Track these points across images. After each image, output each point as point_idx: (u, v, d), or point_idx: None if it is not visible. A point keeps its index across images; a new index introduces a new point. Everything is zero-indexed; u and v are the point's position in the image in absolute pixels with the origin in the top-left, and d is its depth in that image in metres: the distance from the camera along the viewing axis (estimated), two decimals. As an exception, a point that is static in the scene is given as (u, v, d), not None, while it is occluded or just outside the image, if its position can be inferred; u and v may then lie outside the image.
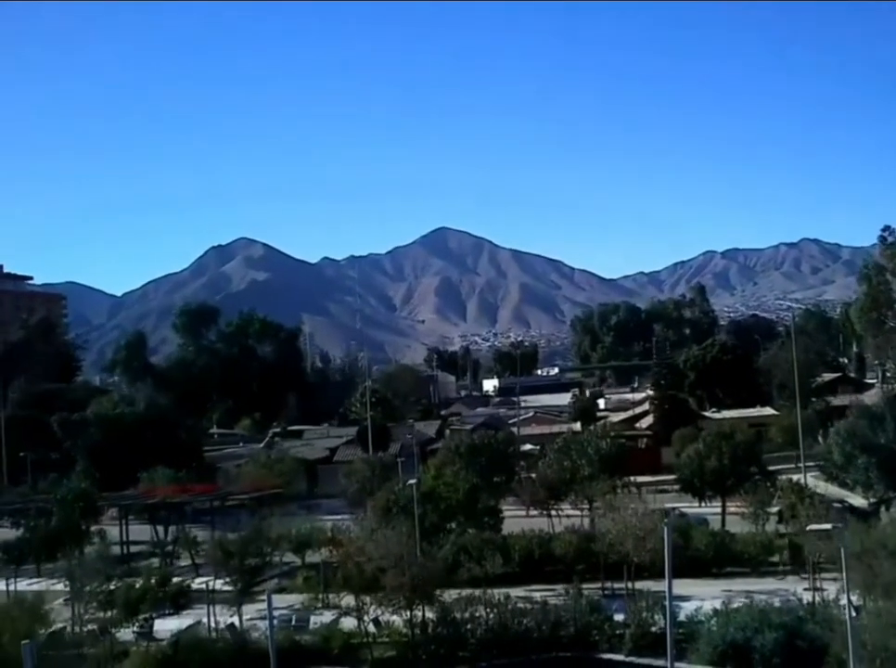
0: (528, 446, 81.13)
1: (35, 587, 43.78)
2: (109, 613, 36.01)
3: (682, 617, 33.52)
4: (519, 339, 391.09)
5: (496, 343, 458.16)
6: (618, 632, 34.03)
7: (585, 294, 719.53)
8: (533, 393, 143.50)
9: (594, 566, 41.79)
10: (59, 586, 40.93)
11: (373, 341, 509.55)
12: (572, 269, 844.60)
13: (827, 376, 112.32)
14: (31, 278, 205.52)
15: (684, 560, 38.32)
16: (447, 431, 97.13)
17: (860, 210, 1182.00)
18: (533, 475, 59.36)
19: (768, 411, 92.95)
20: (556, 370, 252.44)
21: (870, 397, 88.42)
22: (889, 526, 35.15)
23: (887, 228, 70.92)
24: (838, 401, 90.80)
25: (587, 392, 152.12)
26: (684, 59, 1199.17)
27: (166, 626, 37.64)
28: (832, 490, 59.45)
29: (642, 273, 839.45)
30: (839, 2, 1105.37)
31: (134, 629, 36.76)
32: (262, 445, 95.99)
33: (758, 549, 44.23)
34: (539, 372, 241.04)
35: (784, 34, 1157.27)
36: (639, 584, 38.49)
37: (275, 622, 31.89)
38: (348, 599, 36.04)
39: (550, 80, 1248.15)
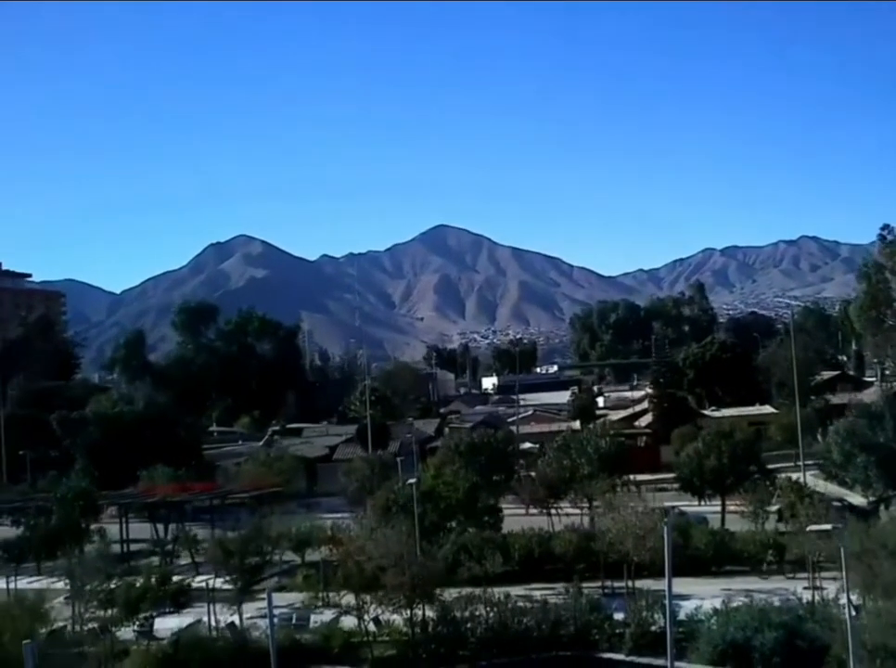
0: (527, 445, 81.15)
1: (35, 586, 43.69)
2: (110, 612, 35.95)
3: (682, 616, 33.54)
4: (518, 336, 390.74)
5: (495, 341, 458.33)
6: (618, 631, 34.00)
7: (584, 292, 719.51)
8: (532, 391, 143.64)
9: (593, 565, 41.78)
10: (59, 585, 40.87)
11: (372, 339, 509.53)
12: (571, 267, 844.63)
13: (826, 374, 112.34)
14: (29, 276, 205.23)
15: (683, 559, 38.35)
16: (446, 430, 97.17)
17: (859, 207, 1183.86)
18: (533, 474, 59.39)
19: (767, 409, 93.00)
20: (556, 368, 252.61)
21: (869, 395, 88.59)
22: (888, 525, 35.21)
23: (886, 227, 71.00)
24: (837, 399, 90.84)
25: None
26: (684, 59, 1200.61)
27: (166, 625, 37.61)
28: (831, 488, 59.52)
29: (641, 270, 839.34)
30: (839, 2, 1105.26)
31: (135, 628, 36.71)
32: (261, 443, 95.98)
33: (757, 548, 44.25)
34: (538, 370, 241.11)
35: (784, 34, 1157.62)
36: (639, 583, 38.51)
37: (276, 620, 31.90)
38: (348, 598, 36.03)
39: (550, 79, 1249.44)
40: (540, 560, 45.04)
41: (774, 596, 35.92)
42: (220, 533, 46.29)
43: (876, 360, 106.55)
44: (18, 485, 76.99)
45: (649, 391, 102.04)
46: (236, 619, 37.61)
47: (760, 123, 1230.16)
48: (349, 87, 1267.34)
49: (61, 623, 35.83)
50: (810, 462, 65.49)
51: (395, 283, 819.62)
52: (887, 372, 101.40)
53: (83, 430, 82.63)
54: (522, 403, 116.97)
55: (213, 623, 37.63)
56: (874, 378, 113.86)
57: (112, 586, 36.68)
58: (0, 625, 29.74)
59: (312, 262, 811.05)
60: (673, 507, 49.29)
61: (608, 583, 40.99)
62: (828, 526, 27.94)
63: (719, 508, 53.82)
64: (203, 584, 40.61)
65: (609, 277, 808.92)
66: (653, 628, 33.25)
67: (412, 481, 44.53)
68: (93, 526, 56.29)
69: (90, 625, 35.82)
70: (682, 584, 35.19)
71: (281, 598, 39.13)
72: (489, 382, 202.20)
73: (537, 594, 39.08)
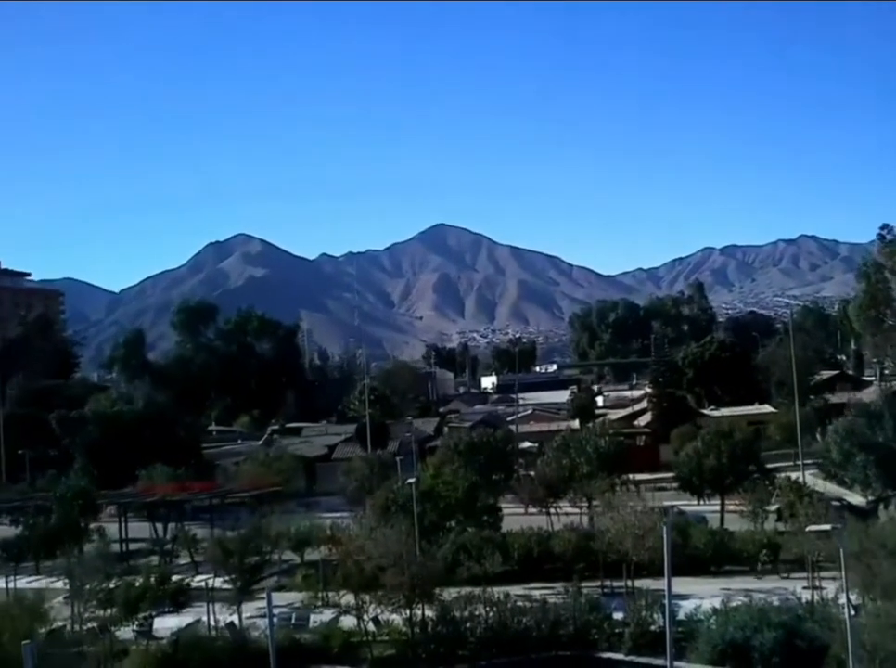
0: (526, 444, 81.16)
1: (34, 585, 43.70)
2: (109, 611, 35.95)
3: (681, 616, 33.55)
4: (518, 335, 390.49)
5: (494, 340, 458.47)
6: (617, 630, 33.98)
7: (584, 291, 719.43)
8: (532, 390, 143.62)
9: (593, 564, 41.79)
10: (59, 584, 40.87)
11: (371, 338, 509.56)
12: (571, 266, 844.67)
13: (826, 373, 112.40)
14: (28, 275, 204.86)
15: (682, 559, 38.34)
16: (445, 429, 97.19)
17: (858, 206, 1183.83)
18: (532, 473, 59.44)
19: (766, 409, 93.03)
20: (555, 367, 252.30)
21: (868, 395, 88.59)
22: (887, 525, 35.22)
23: (885, 226, 70.73)
24: (836, 398, 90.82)
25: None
26: (683, 58, 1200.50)
27: (166, 625, 37.58)
28: (830, 488, 59.54)
29: (640, 269, 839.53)
30: (839, 2, 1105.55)
31: (134, 627, 36.69)
32: (260, 443, 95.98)
33: (756, 548, 44.27)
34: (537, 369, 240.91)
35: (783, 34, 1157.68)
36: (638, 583, 38.52)
37: (275, 620, 31.90)
38: (347, 598, 36.03)
39: (549, 78, 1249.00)
40: (539, 560, 45.04)
41: (773, 595, 35.92)
42: (219, 533, 46.22)
43: (875, 359, 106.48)
44: (17, 484, 77.00)
45: (648, 390, 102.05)
46: (235, 618, 37.60)
47: (759, 123, 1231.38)
48: (348, 87, 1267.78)
49: (60, 623, 35.80)
50: (809, 461, 65.52)
51: (394, 282, 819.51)
52: (886, 372, 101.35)
53: (83, 430, 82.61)
54: (521, 402, 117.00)
55: (213, 623, 37.62)
56: (873, 378, 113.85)
57: (111, 586, 36.65)
58: (0, 625, 29.73)
59: (311, 261, 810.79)
60: (672, 507, 49.26)
61: (608, 582, 40.99)
62: (828, 526, 27.91)
63: (718, 508, 53.81)
64: (202, 584, 40.61)
65: (609, 277, 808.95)
66: (652, 628, 33.23)
67: (411, 480, 44.53)
68: (92, 525, 56.31)
69: (89, 625, 35.81)
70: (681, 584, 35.19)
71: (280, 598, 39.10)
72: (488, 381, 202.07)
73: (536, 593, 39.09)
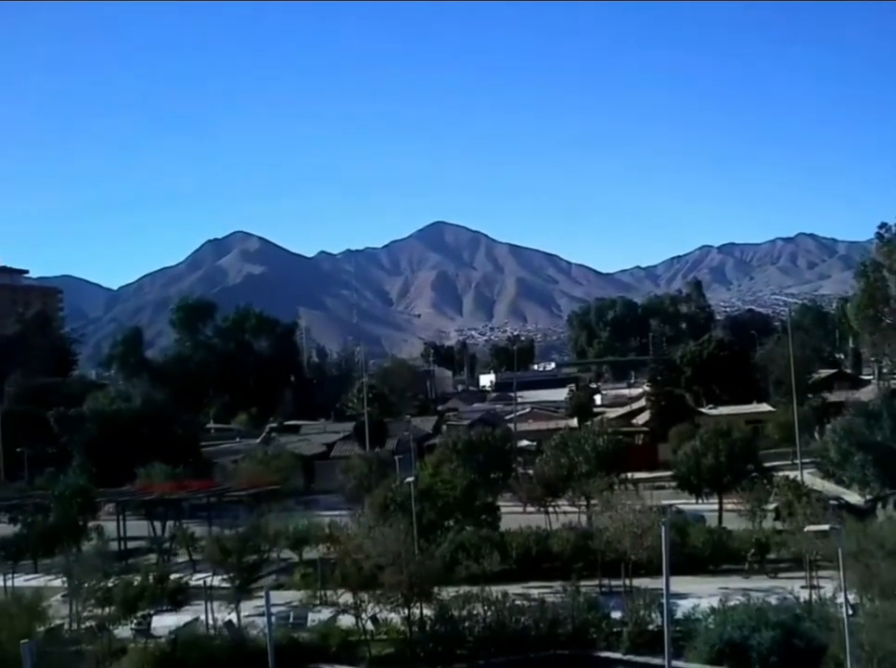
0: (525, 442, 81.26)
1: (33, 584, 43.70)
2: (107, 610, 36.00)
3: (679, 615, 33.55)
4: (516, 333, 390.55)
5: (493, 338, 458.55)
6: (615, 630, 33.96)
7: (582, 289, 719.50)
8: (530, 389, 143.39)
9: (591, 563, 41.78)
10: (57, 583, 40.87)
11: (369, 336, 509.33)
12: (569, 263, 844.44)
13: (824, 372, 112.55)
14: (26, 272, 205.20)
15: (681, 558, 38.31)
16: (444, 427, 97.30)
17: (856, 205, 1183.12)
18: (531, 472, 59.47)
19: (764, 407, 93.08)
20: (553, 365, 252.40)
21: (866, 393, 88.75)
22: (886, 524, 35.23)
23: (884, 225, 71.03)
24: (834, 397, 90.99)
25: (592, 386, 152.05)
26: (682, 57, 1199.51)
27: (164, 623, 37.62)
28: (828, 487, 59.58)
29: (638, 267, 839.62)
30: (839, 2, 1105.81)
31: (132, 626, 36.70)
32: (258, 441, 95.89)
33: (752, 547, 44.24)
34: (536, 367, 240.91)
35: (783, 34, 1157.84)
36: (636, 582, 38.55)
37: (273, 619, 31.90)
38: (346, 597, 35.99)
39: (548, 77, 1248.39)
40: (537, 559, 45.03)
41: (771, 595, 35.94)
42: (217, 531, 46.21)
43: (873, 358, 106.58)
44: (15, 482, 77.10)
45: (647, 388, 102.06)
46: (233, 617, 37.59)
47: (758, 121, 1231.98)
48: (346, 85, 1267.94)
49: (59, 622, 35.71)
50: (807, 460, 65.57)
51: (393, 280, 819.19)
52: (884, 370, 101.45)
53: (81, 428, 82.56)
54: (520, 400, 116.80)
55: (211, 622, 37.58)
56: (871, 376, 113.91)
57: (110, 584, 36.68)
58: (-2, 623, 29.75)
59: (309, 258, 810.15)
60: (671, 506, 49.26)
61: (606, 581, 41.01)
62: (826, 526, 27.92)
63: (716, 507, 53.84)
64: (201, 583, 40.66)
65: (607, 274, 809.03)
66: (650, 627, 33.23)
67: (410, 479, 44.53)
68: (90, 524, 56.43)
69: (87, 623, 35.81)
70: (679, 583, 35.23)
71: (279, 597, 39.05)
72: (486, 379, 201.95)
73: (535, 592, 39.13)
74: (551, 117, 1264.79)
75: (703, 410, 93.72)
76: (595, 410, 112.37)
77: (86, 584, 36.28)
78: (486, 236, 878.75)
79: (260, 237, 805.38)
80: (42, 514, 55.85)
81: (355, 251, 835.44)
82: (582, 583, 38.24)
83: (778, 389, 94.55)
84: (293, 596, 40.62)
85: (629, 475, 58.35)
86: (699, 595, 36.92)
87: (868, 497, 53.85)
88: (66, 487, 58.55)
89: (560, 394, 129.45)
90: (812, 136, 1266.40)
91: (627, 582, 39.26)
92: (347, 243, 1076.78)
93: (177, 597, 38.64)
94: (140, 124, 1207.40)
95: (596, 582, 40.79)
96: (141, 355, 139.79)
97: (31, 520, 54.82)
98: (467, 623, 34.83)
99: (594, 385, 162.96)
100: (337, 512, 55.56)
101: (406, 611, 35.01)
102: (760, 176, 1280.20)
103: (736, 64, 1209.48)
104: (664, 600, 27.84)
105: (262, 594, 31.51)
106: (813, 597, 34.94)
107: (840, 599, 27.95)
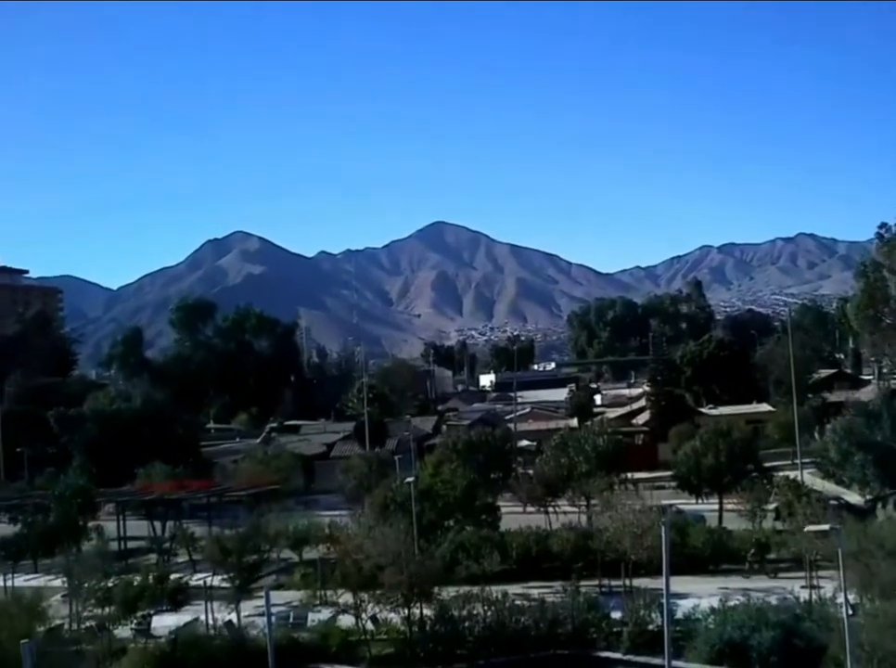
0: (525, 442, 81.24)
1: (33, 584, 43.70)
2: (107, 610, 36.01)
3: (679, 615, 33.55)
4: (516, 333, 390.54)
5: (493, 338, 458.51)
6: (615, 630, 33.98)
7: (582, 289, 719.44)
8: (530, 389, 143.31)
9: (591, 563, 41.78)
10: (57, 583, 40.88)
11: (369, 336, 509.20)
12: (569, 263, 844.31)
13: (824, 372, 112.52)
14: (26, 272, 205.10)
15: (681, 558, 38.36)
16: (444, 427, 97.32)
17: (856, 204, 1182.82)
18: (531, 472, 59.46)
19: (764, 407, 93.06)
20: (553, 365, 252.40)
21: (866, 394, 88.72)
22: (886, 524, 35.23)
23: (884, 225, 70.79)
24: (834, 397, 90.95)
25: (592, 386, 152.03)
26: (682, 57, 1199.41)
27: (164, 623, 37.65)
28: (828, 487, 59.55)
29: (638, 267, 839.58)
30: (839, 2, 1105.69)
31: (132, 626, 36.73)
32: (258, 441, 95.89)
33: (753, 547, 44.23)
34: (535, 367, 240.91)
35: (783, 33, 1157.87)
36: (636, 582, 38.55)
37: (273, 619, 31.90)
38: (346, 597, 36.01)
39: (548, 76, 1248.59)
40: (537, 559, 45.04)
41: (771, 595, 35.94)
42: (217, 531, 46.22)
43: (873, 358, 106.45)
44: (15, 482, 77.08)
45: (647, 388, 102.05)
46: (233, 617, 37.59)
47: (758, 121, 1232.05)
48: (346, 85, 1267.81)
49: (59, 622, 35.76)
50: (807, 460, 65.53)
51: (393, 280, 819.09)
52: (884, 370, 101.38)
53: (81, 428, 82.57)
54: (520, 400, 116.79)
55: (211, 622, 37.60)
56: (871, 377, 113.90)
57: (110, 584, 36.69)
58: (-2, 623, 29.75)
59: (309, 258, 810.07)
60: (671, 506, 49.18)
61: (606, 581, 41.02)
62: (826, 526, 27.92)
63: (716, 507, 53.84)
64: (201, 583, 40.68)
65: (607, 274, 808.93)
66: (650, 627, 33.25)
67: (410, 479, 44.52)
68: (90, 524, 56.41)
69: (87, 623, 35.83)
70: (679, 583, 35.23)
71: (279, 597, 39.07)
72: (486, 379, 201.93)
73: (535, 592, 39.15)
74: (551, 117, 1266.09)
75: (703, 410, 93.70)
76: (595, 410, 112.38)
77: (86, 584, 36.29)
78: (486, 236, 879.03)
79: (260, 237, 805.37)
80: (42, 514, 55.85)
81: (355, 251, 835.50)
82: (582, 583, 38.28)
83: (778, 389, 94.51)
84: (293, 596, 40.62)
85: (629, 475, 58.31)
86: (699, 595, 36.92)
87: (868, 497, 53.84)
88: (66, 487, 58.56)
89: (560, 394, 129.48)
90: (811, 136, 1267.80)
91: (627, 582, 39.27)
92: (347, 243, 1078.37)
93: (177, 597, 38.66)
94: (140, 124, 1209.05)
95: (596, 582, 40.79)
96: (141, 355, 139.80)
97: (31, 520, 54.82)
98: (467, 623, 34.84)
99: (594, 385, 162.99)
100: (337, 512, 55.54)
101: (406, 611, 35.02)
102: (760, 176, 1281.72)
103: (736, 64, 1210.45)
104: (664, 600, 27.84)
105: (262, 594, 31.51)
106: (813, 597, 34.94)
107: (840, 599, 27.95)
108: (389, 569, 34.18)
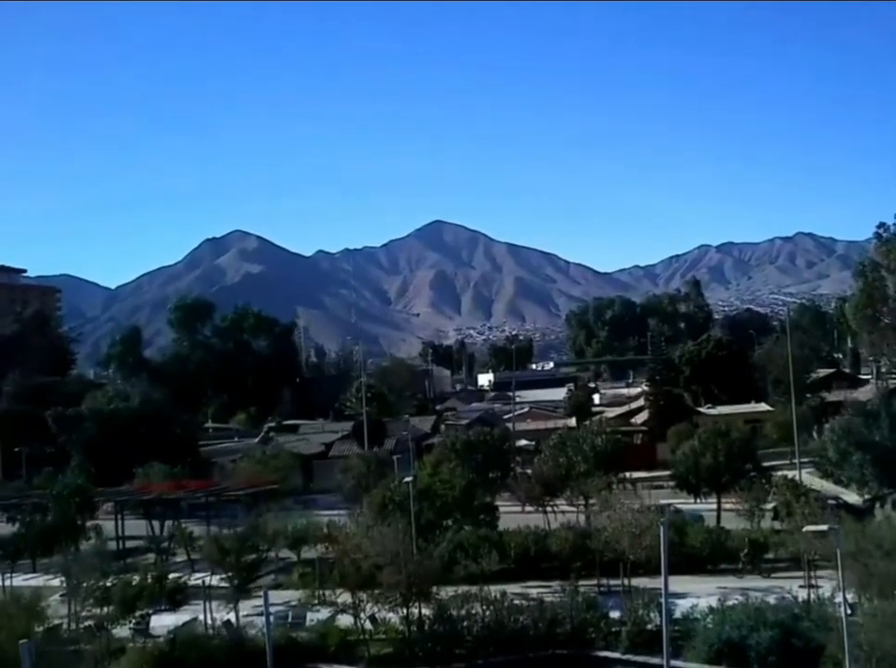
0: (523, 442, 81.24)
1: (31, 583, 43.70)
2: (106, 610, 35.97)
3: (677, 615, 33.56)
4: (514, 333, 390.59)
5: (491, 337, 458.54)
6: (614, 629, 33.99)
7: (580, 288, 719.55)
8: (529, 388, 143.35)
9: (590, 563, 41.77)
10: (55, 582, 40.84)
11: (368, 335, 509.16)
12: (567, 263, 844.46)
13: (822, 371, 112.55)
14: (24, 271, 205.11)
15: (679, 557, 38.43)
16: (442, 427, 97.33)
17: (855, 204, 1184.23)
18: (529, 471, 59.45)
19: (763, 407, 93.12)
20: (552, 364, 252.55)
21: (865, 393, 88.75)
22: (884, 524, 35.25)
23: (882, 225, 70.78)
24: (832, 397, 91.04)
25: (590, 385, 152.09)
26: (680, 55, 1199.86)
27: (162, 623, 37.64)
28: (827, 486, 59.59)
29: (637, 266, 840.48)
30: (839, 2, 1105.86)
31: (131, 626, 36.67)
32: (257, 440, 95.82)
33: (749, 546, 44.23)
34: (534, 366, 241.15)
35: (783, 33, 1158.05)
36: (635, 581, 38.59)
37: (272, 618, 31.88)
38: (344, 596, 35.99)
39: (547, 76, 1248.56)
40: (536, 558, 45.03)
41: (770, 594, 35.95)
42: (216, 531, 46.19)
43: (871, 358, 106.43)
44: (13, 482, 77.09)
45: (645, 388, 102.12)
46: (232, 617, 37.57)
47: (756, 121, 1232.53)
48: (346, 85, 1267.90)
49: (57, 621, 35.70)
50: (805, 460, 65.58)
51: (391, 279, 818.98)
52: (883, 370, 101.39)
53: (79, 427, 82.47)
54: (518, 400, 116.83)
55: (210, 621, 37.56)
56: (869, 376, 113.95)
57: (108, 584, 36.65)
58: (-3, 623, 29.72)
59: (307, 257, 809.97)
60: (669, 505, 49.28)
61: (604, 581, 41.04)
62: (825, 526, 27.94)
63: (715, 506, 53.83)
64: (199, 582, 40.63)
65: (605, 274, 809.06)
66: (649, 626, 33.26)
67: (408, 478, 44.51)
68: (89, 523, 56.34)
69: (86, 623, 35.80)
70: (678, 583, 35.28)
71: (277, 596, 39.11)
72: (485, 379, 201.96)
73: (533, 592, 39.15)
74: (550, 117, 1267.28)
75: (701, 410, 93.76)
76: (594, 410, 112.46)
77: (85, 584, 36.26)
78: (485, 235, 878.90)
79: (258, 237, 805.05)
80: (40, 513, 55.81)
81: (354, 251, 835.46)
82: (581, 582, 38.22)
83: (777, 388, 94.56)
84: (292, 595, 40.62)
85: (627, 475, 58.44)
86: (698, 594, 36.95)
87: (866, 497, 53.87)
88: (64, 487, 58.53)
89: (559, 394, 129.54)
90: (810, 136, 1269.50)
91: (625, 581, 39.32)
92: (345, 242, 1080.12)
93: (176, 597, 38.63)
94: (140, 124, 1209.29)
95: (595, 581, 40.80)
96: (139, 355, 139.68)
97: (29, 520, 54.75)
98: (465, 623, 34.82)
99: (592, 384, 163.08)
100: (335, 512, 55.53)
101: (405, 611, 35.02)
102: (758, 176, 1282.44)
103: (736, 64, 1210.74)
104: (663, 600, 27.86)
105: (261, 593, 31.50)
106: (812, 596, 34.94)
107: (839, 599, 27.97)
108: (387, 568, 34.18)
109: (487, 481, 57.62)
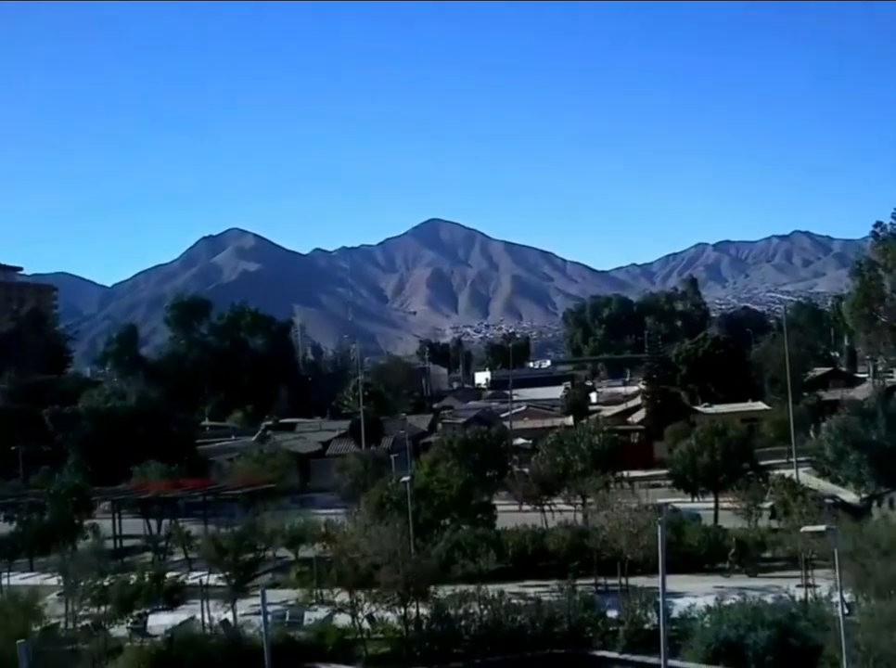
0: (520, 440, 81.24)
1: (28, 582, 43.66)
2: (103, 609, 35.95)
3: (675, 614, 33.56)
4: (511, 331, 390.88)
5: (488, 335, 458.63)
6: (611, 629, 33.98)
7: (577, 286, 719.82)
8: (526, 386, 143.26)
9: (587, 562, 41.74)
10: (53, 581, 40.83)
11: (365, 333, 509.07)
12: (564, 261, 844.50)
13: (819, 370, 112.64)
14: (21, 269, 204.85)
15: (676, 556, 38.47)
16: (439, 425, 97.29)
17: (851, 203, 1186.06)
18: (526, 470, 59.45)
19: (760, 405, 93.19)
20: (549, 363, 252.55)
21: (862, 392, 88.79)
22: (881, 523, 35.31)
23: (878, 224, 70.77)
24: (829, 395, 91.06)
25: (587, 383, 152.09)
26: (678, 54, 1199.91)
27: (160, 622, 37.59)
28: (824, 485, 59.62)
29: (634, 265, 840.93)
30: (839, 2, 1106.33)
31: (128, 625, 36.64)
32: (254, 439, 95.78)
33: (751, 545, 44.30)
34: (531, 365, 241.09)
35: (782, 32, 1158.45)
36: (632, 581, 38.54)
37: (269, 617, 31.88)
38: (342, 595, 36.00)
39: (547, 76, 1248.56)
40: (533, 558, 45.01)
41: (767, 594, 35.97)
42: (213, 530, 46.21)
43: (868, 356, 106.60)
44: (10, 481, 76.86)
45: (642, 386, 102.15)
46: (229, 616, 37.55)
47: (754, 120, 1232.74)
48: (346, 85, 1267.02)
49: (55, 621, 35.70)
50: (802, 459, 65.56)
51: (388, 277, 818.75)
52: (879, 368, 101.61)
53: (76, 425, 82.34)
54: (515, 398, 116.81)
55: (207, 621, 37.56)
56: (866, 375, 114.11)
57: (106, 583, 36.65)
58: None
59: (304, 255, 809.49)
60: (667, 504, 49.21)
61: (602, 580, 41.04)
62: (822, 527, 27.97)
63: (712, 505, 53.87)
64: (197, 581, 40.59)
65: (602, 272, 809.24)
66: (646, 626, 33.24)
67: (406, 477, 44.49)
68: (86, 522, 56.23)
69: (83, 622, 35.78)
70: (675, 582, 35.26)
71: (275, 595, 39.08)
72: (482, 377, 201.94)
73: (531, 591, 39.09)
74: (549, 116, 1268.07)
75: (698, 408, 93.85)
76: (591, 408, 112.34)
77: (82, 583, 36.28)
78: (481, 233, 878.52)
79: (255, 235, 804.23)
80: (37, 512, 55.76)
81: (351, 249, 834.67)
82: (579, 581, 38.26)
83: (774, 387, 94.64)
84: (289, 594, 40.60)
85: (625, 473, 58.37)
86: (695, 594, 36.92)
87: (864, 496, 53.88)
88: (61, 485, 58.44)
89: (556, 392, 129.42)
90: (808, 135, 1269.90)
91: (623, 580, 39.31)
92: (342, 240, 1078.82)
93: (173, 596, 38.64)
94: (139, 124, 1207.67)
95: (593, 580, 40.80)
96: (136, 353, 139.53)
97: (26, 519, 54.71)
98: (463, 622, 34.82)
99: (589, 383, 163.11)
100: (333, 510, 55.51)
101: (402, 610, 34.99)
102: (756, 174, 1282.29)
103: (735, 64, 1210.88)
104: (660, 599, 27.87)
105: (259, 592, 31.52)
106: (809, 596, 34.97)
107: (836, 598, 28.00)
108: (385, 567, 34.17)
109: (484, 479, 57.62)
